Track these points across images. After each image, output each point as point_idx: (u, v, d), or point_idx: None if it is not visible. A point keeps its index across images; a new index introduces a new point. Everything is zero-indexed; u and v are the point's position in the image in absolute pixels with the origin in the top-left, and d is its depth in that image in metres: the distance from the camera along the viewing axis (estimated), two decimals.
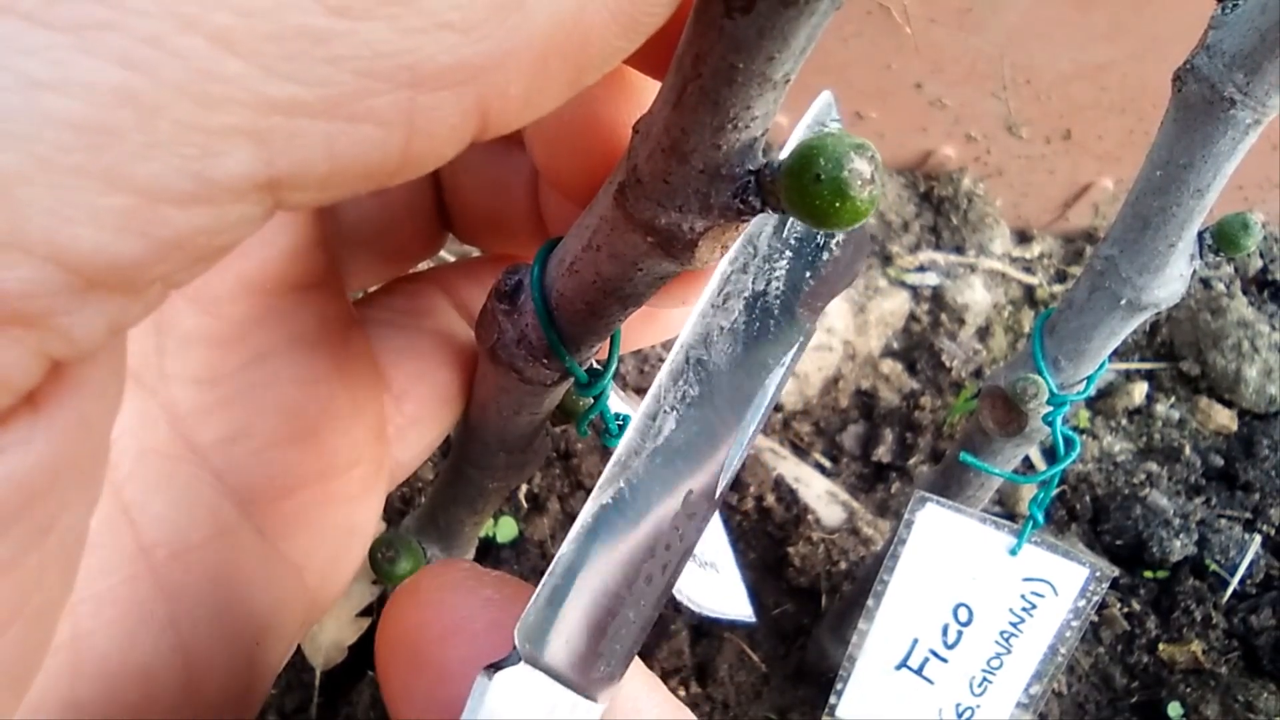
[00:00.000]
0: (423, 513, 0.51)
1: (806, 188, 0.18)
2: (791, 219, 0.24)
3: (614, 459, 0.23)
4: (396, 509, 0.79)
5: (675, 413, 0.23)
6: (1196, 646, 0.82)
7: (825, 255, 0.25)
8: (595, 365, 0.32)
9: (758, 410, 0.24)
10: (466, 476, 0.43)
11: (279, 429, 0.29)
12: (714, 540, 0.51)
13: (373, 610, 0.72)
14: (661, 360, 0.89)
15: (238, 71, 0.12)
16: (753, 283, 0.24)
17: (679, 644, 0.76)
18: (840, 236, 0.25)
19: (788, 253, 0.24)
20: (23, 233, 0.12)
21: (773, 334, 0.24)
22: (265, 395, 0.29)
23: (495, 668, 0.21)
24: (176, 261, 0.13)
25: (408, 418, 0.35)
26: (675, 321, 0.35)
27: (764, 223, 0.24)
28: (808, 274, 0.24)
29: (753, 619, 0.51)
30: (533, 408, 0.34)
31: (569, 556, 0.23)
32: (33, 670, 0.17)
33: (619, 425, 0.36)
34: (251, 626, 0.29)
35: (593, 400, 0.34)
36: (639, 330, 0.33)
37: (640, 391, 0.88)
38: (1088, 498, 0.91)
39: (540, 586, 0.23)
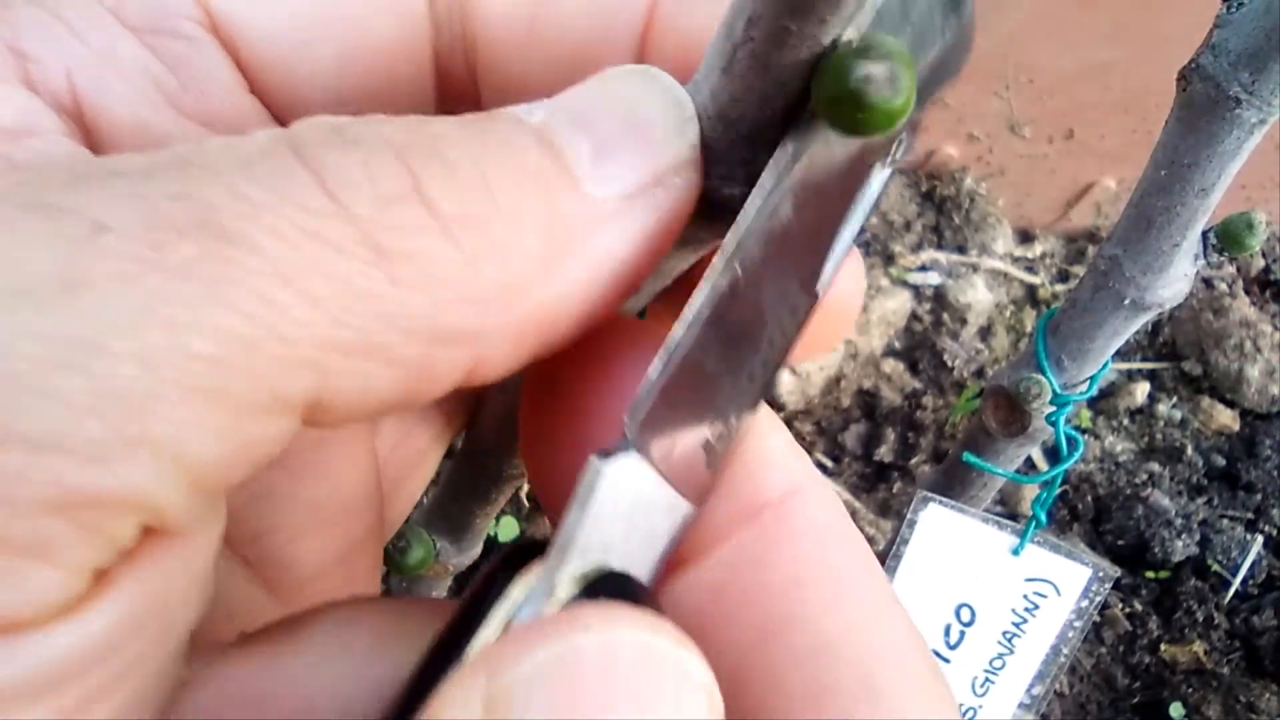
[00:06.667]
0: (431, 507, 0.51)
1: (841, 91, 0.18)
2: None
3: (727, 241, 0.21)
4: None
5: (793, 196, 0.22)
6: (1198, 647, 0.82)
7: (937, 47, 0.22)
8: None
9: (862, 207, 0.22)
10: (480, 463, 0.43)
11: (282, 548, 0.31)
12: None
13: None
14: None
15: (313, 318, 0.17)
16: None
17: None
18: (953, 23, 0.22)
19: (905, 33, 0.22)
20: (151, 437, 0.16)
21: None
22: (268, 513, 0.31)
23: (606, 455, 0.20)
24: (243, 468, 0.17)
25: (404, 466, 0.36)
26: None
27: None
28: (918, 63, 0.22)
29: None
30: None
31: (684, 342, 0.21)
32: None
33: None
34: None
35: None
36: None
37: None
38: (1090, 498, 0.91)
39: (652, 372, 0.21)
